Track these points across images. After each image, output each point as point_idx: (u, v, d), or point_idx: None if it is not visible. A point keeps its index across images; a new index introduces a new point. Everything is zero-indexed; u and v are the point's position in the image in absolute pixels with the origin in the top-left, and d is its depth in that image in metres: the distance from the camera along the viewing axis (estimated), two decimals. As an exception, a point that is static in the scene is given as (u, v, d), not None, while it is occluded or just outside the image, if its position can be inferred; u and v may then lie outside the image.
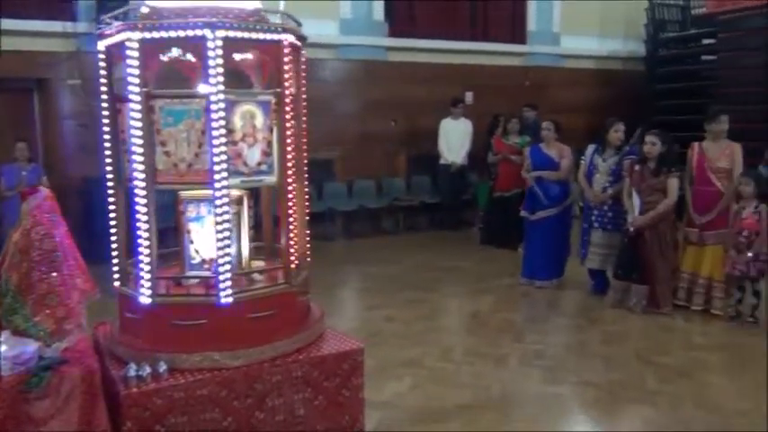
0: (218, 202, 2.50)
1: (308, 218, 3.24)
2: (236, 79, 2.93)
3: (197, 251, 2.91)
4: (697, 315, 5.27)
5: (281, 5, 2.98)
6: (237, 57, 2.91)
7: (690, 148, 5.49)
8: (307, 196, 3.22)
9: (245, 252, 2.95)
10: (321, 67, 9.12)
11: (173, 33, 2.43)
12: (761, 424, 3.47)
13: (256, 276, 2.99)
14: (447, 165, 8.90)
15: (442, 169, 9.02)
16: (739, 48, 10.10)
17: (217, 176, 2.47)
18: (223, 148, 2.46)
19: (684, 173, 5.41)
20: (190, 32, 2.42)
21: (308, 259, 3.22)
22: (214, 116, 2.44)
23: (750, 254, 4.89)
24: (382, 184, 9.46)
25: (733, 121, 9.67)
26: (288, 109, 2.68)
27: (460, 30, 10.14)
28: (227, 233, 2.56)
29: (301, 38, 2.99)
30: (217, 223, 2.52)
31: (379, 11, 9.45)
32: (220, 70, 2.43)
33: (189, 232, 2.91)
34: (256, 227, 3.17)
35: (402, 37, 9.61)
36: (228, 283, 2.58)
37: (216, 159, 2.45)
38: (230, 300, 2.59)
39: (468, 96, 10.07)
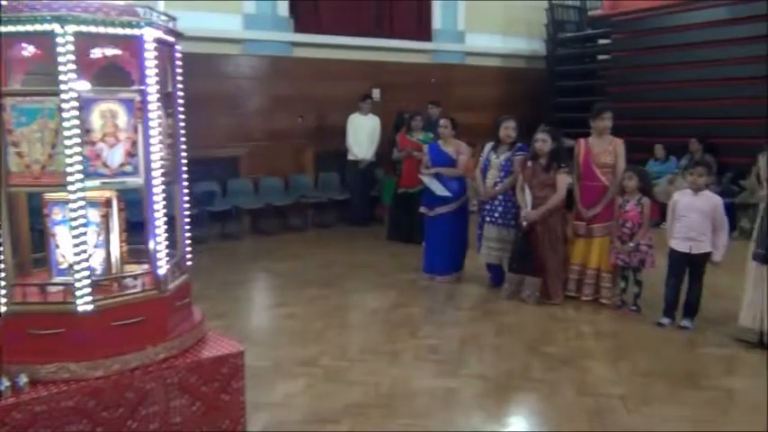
0: (73, 205, 2.38)
1: (188, 219, 3.14)
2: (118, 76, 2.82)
3: (63, 256, 2.78)
4: (586, 305, 5.49)
5: (161, 5, 2.88)
6: (111, 52, 2.80)
7: (576, 144, 5.70)
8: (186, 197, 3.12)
9: (116, 256, 2.83)
10: (226, 62, 8.94)
11: (21, 28, 2.29)
12: (634, 407, 3.65)
13: (129, 282, 2.88)
14: (355, 161, 8.93)
15: (350, 165, 9.02)
16: (632, 48, 10.62)
17: (71, 178, 2.35)
18: (77, 149, 2.35)
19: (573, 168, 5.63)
20: (39, 27, 2.29)
21: (189, 263, 3.13)
22: (66, 115, 2.32)
23: (632, 244, 5.13)
24: (290, 181, 9.37)
25: (626, 118, 10.21)
26: (153, 107, 2.57)
27: (366, 26, 10.14)
28: (83, 237, 2.44)
29: (173, 33, 2.88)
30: (73, 227, 2.41)
31: (283, 7, 9.34)
32: (72, 66, 2.31)
33: (54, 236, 2.78)
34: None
35: (308, 33, 9.53)
36: (87, 290, 2.46)
37: (69, 161, 2.33)
38: (89, 307, 2.48)
39: (376, 93, 10.11)
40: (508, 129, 5.80)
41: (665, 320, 5.00)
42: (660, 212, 7.25)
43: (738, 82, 8.88)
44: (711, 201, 4.78)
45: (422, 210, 6.41)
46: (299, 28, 9.51)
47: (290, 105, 9.35)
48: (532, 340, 4.71)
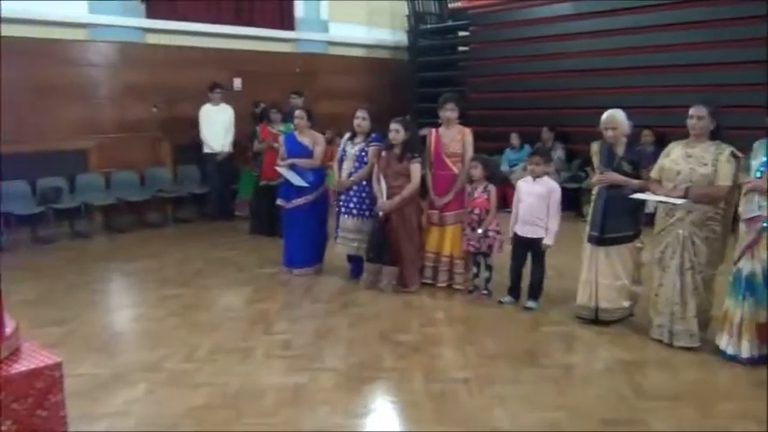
0: None
1: None
2: None
3: None
4: (442, 291, 5.62)
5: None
6: None
7: (429, 134, 5.81)
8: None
9: None
10: (70, 48, 8.33)
11: None
12: (477, 389, 3.76)
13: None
14: (212, 153, 8.63)
15: (207, 158, 8.72)
16: (488, 40, 10.99)
17: None
18: None
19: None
20: None
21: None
22: None
23: (480, 231, 5.31)
24: (146, 176, 8.91)
25: (484, 108, 10.58)
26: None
27: (225, 13, 9.82)
28: None
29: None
30: None
31: (133, -10, 8.83)
32: None
33: None
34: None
35: (160, 18, 9.07)
36: None
37: None
38: None
39: (237, 82, 9.85)
40: (358, 118, 5.80)
41: (507, 299, 5.25)
42: (502, 199, 7.56)
43: (585, 74, 9.45)
44: (547, 187, 5.03)
45: (279, 202, 6.30)
46: (151, 13, 9.03)
47: (143, 95, 8.88)
48: (387, 329, 4.75)
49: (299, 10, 10.81)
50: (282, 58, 10.46)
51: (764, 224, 3.94)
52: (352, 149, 5.87)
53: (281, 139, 6.53)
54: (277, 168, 6.27)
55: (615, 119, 4.66)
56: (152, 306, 5.35)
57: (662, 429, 3.34)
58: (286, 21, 10.63)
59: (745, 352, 4.05)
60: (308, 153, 6.13)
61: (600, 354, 4.32)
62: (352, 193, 5.83)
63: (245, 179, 8.62)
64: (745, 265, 4.04)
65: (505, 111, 10.38)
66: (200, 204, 9.15)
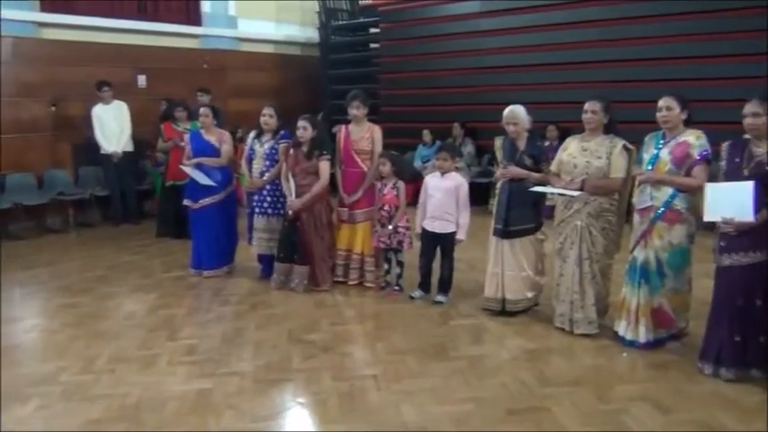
0: None
1: None
2: None
3: None
4: (353, 289, 5.59)
5: None
6: None
7: (338, 131, 5.77)
8: None
9: None
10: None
11: None
12: (385, 386, 3.76)
13: None
14: (109, 154, 8.26)
15: (104, 159, 8.34)
16: (399, 37, 11.05)
17: None
18: None
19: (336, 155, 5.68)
20: None
21: None
22: None
23: (390, 227, 5.32)
24: (44, 178, 8.46)
25: (397, 104, 10.63)
26: None
27: (127, 8, 9.44)
28: None
29: None
30: None
31: (25, -17, 8.35)
32: None
33: None
34: None
35: (56, 12, 8.61)
36: None
37: None
38: None
39: (141, 80, 9.52)
40: (265, 116, 5.70)
41: (417, 293, 5.31)
42: (414, 195, 7.65)
43: (494, 70, 9.65)
44: (455, 182, 5.10)
45: (185, 202, 6.10)
46: (46, 7, 8.57)
47: (39, 93, 8.45)
48: (296, 329, 4.69)
49: (207, 5, 10.53)
50: (189, 55, 10.16)
51: (657, 213, 4.12)
52: (261, 148, 5.77)
53: (187, 137, 6.33)
54: (182, 168, 6.08)
55: (516, 114, 4.77)
56: (48, 316, 5.09)
57: (563, 414, 3.43)
58: (192, 16, 10.33)
59: (642, 336, 4.23)
60: (214, 152, 5.97)
61: (506, 344, 4.41)
62: (265, 192, 5.72)
63: (156, 178, 8.31)
64: (640, 254, 4.21)
65: (417, 107, 10.49)
66: (104, 207, 8.77)
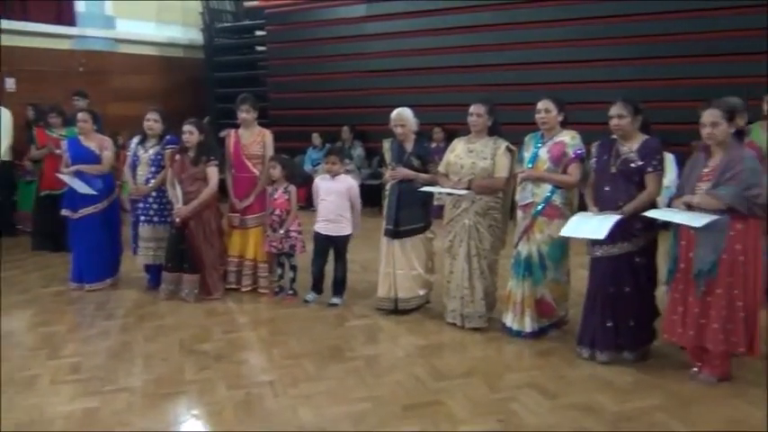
0: None
1: None
2: None
3: None
4: (247, 296, 5.51)
5: None
6: None
7: (227, 136, 5.66)
8: None
9: None
10: None
11: None
12: (282, 391, 3.73)
13: None
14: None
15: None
16: (286, 40, 10.98)
17: None
18: None
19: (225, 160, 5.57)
20: None
21: None
22: None
23: (282, 231, 5.29)
24: None
25: (287, 108, 10.55)
26: None
27: (-9, 6, 8.82)
28: None
29: None
30: None
31: None
32: None
33: None
34: None
35: None
36: None
37: None
38: None
39: (10, 83, 8.89)
40: (149, 120, 5.52)
41: (310, 297, 5.32)
42: (306, 198, 7.67)
43: (381, 74, 9.80)
44: (346, 184, 5.16)
45: (64, 212, 5.77)
46: None
47: None
48: (188, 340, 4.56)
49: (81, 5, 10.01)
50: (63, 57, 9.63)
51: (537, 209, 4.35)
52: (146, 154, 5.57)
53: (64, 144, 5.98)
54: (60, 176, 5.74)
55: (403, 116, 4.89)
56: None
57: (457, 406, 3.55)
58: (65, 15, 9.79)
59: (528, 327, 4.46)
60: (94, 158, 5.68)
61: (400, 342, 4.50)
62: (151, 199, 5.53)
63: (22, 190, 7.78)
64: (523, 248, 4.43)
65: (307, 110, 10.47)
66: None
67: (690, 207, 3.66)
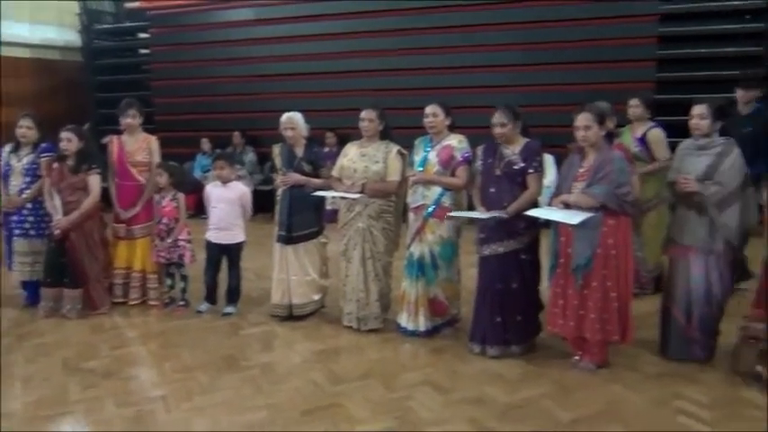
0: None
1: None
2: None
3: None
4: (135, 309, 5.29)
5: None
6: None
7: (109, 143, 5.42)
8: None
9: None
10: None
11: None
12: (174, 405, 3.62)
13: None
14: None
15: None
16: (172, 43, 10.64)
17: None
18: None
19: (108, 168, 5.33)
20: None
21: None
22: None
23: (170, 240, 5.13)
24: None
25: (173, 113, 10.21)
26: None
27: None
28: None
29: None
30: None
31: None
32: None
33: None
34: None
35: None
36: None
37: None
38: None
39: None
40: (22, 127, 5.20)
41: (203, 307, 5.20)
42: (196, 205, 7.52)
43: (272, 78, 9.70)
44: (237, 191, 5.08)
45: (-75, 228, 5.33)
46: None
47: None
48: (72, 358, 4.32)
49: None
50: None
51: (428, 211, 4.47)
52: (19, 163, 5.23)
53: None
54: None
55: (293, 119, 4.89)
56: None
57: (355, 408, 3.59)
58: None
59: (422, 326, 4.57)
60: (-41, 169, 5.27)
61: (296, 348, 4.48)
62: (26, 211, 5.20)
63: None
64: (416, 249, 4.54)
65: (195, 115, 10.19)
66: None
67: (567, 205, 3.89)
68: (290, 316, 4.94)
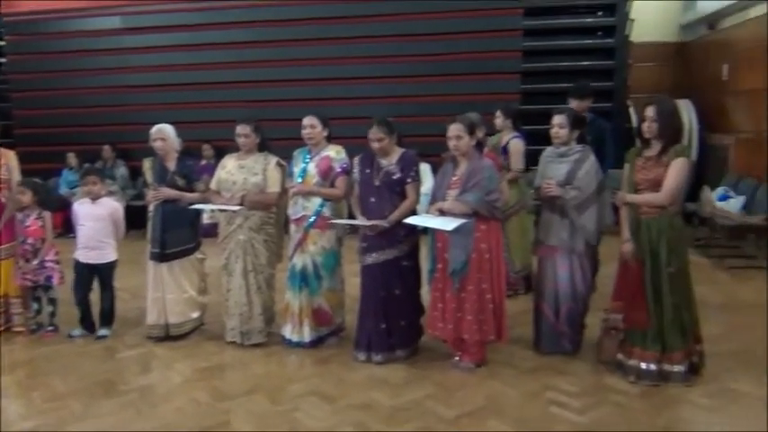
0: None
1: None
2: None
3: None
4: (-2, 337, 4.92)
5: None
6: None
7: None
8: None
9: None
10: None
11: None
12: (46, 438, 3.42)
13: None
14: None
15: None
16: (33, 51, 9.99)
17: None
18: None
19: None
20: None
21: None
22: None
23: (36, 262, 4.82)
24: None
25: (35, 126, 9.60)
26: None
27: None
28: None
29: None
30: None
31: None
32: None
33: None
34: None
35: None
36: None
37: None
38: None
39: None
40: None
41: (76, 332, 4.93)
42: (63, 224, 7.15)
43: (144, 89, 9.34)
44: (108, 207, 4.86)
45: None
46: None
47: None
48: None
49: None
50: None
51: (309, 222, 4.49)
52: None
53: None
54: None
55: (162, 130, 4.76)
56: None
57: (241, 424, 3.53)
58: None
59: (307, 337, 4.57)
60: None
61: (177, 368, 4.34)
62: None
63: None
64: (298, 260, 4.54)
65: (60, 128, 9.60)
66: None
67: (442, 212, 4.06)
68: (168, 336, 4.77)
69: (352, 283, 4.76)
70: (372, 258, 4.27)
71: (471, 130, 4.11)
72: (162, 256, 4.69)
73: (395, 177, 4.25)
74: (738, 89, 8.15)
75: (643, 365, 3.88)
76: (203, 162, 8.25)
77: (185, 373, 4.26)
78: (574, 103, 5.24)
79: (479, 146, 4.29)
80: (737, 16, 8.26)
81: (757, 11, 7.63)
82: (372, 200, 4.30)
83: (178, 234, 4.71)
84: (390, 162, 4.28)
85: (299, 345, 4.58)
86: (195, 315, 4.89)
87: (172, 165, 4.79)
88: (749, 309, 5.38)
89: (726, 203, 7.12)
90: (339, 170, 4.50)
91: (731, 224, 6.97)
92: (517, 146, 5.57)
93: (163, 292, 4.72)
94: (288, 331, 4.63)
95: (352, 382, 4.06)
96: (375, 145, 4.25)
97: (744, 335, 4.75)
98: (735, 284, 6.17)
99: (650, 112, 3.78)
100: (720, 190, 7.40)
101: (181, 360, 4.47)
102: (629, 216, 3.92)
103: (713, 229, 7.34)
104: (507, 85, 8.49)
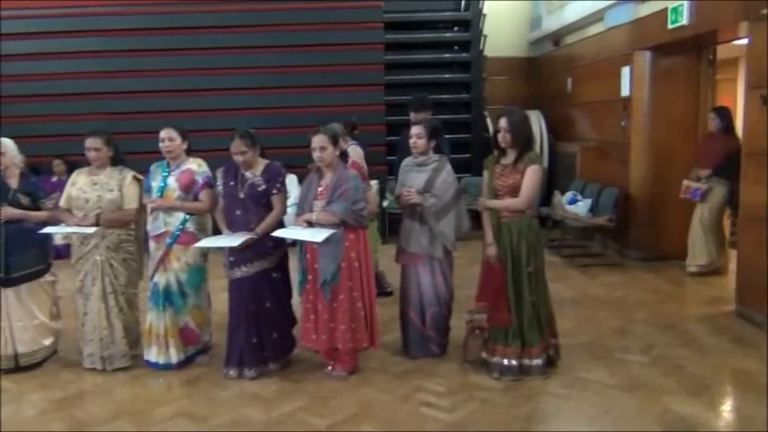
0: None
1: None
2: None
3: None
4: None
5: None
6: None
7: None
8: None
9: None
10: None
11: None
12: None
13: None
14: None
15: None
16: None
17: None
18: None
19: None
20: None
21: None
22: None
23: None
24: None
25: None
26: None
27: None
28: None
29: None
30: None
31: None
32: None
33: None
34: None
35: None
36: None
37: None
38: None
39: None
40: None
41: None
42: None
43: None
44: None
45: None
46: None
47: None
48: None
49: None
50: None
51: (172, 237, 4.33)
52: None
53: None
54: None
55: (4, 144, 4.40)
56: None
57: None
58: None
59: (173, 358, 4.39)
60: None
61: (30, 399, 4.01)
62: None
63: None
64: (161, 278, 4.37)
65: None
66: None
67: (310, 224, 4.07)
68: (19, 367, 4.40)
69: (221, 299, 4.66)
70: (242, 272, 4.19)
71: (335, 140, 4.17)
72: (6, 281, 4.31)
73: (260, 189, 4.21)
74: (581, 101, 8.84)
75: (505, 362, 4.11)
76: (54, 179, 7.71)
77: (40, 404, 3.95)
78: (412, 116, 5.40)
79: (344, 156, 4.35)
80: (578, 34, 8.97)
81: (595, 29, 8.33)
82: (238, 212, 4.23)
83: (24, 256, 4.35)
84: (255, 174, 4.24)
85: (165, 367, 4.39)
86: (48, 342, 4.54)
87: (14, 182, 4.42)
88: (598, 303, 5.85)
89: (575, 207, 7.68)
90: (202, 183, 4.39)
91: (580, 225, 7.56)
92: (356, 150, 5.57)
93: (9, 319, 4.34)
94: (153, 354, 4.41)
95: (222, 400, 3.96)
96: (238, 158, 4.19)
97: (593, 327, 5.15)
98: (584, 281, 6.67)
99: (503, 123, 4.03)
100: (569, 194, 7.97)
101: (34, 391, 4.14)
102: (490, 220, 4.13)
103: (564, 230, 7.93)
104: (372, 96, 8.68)
